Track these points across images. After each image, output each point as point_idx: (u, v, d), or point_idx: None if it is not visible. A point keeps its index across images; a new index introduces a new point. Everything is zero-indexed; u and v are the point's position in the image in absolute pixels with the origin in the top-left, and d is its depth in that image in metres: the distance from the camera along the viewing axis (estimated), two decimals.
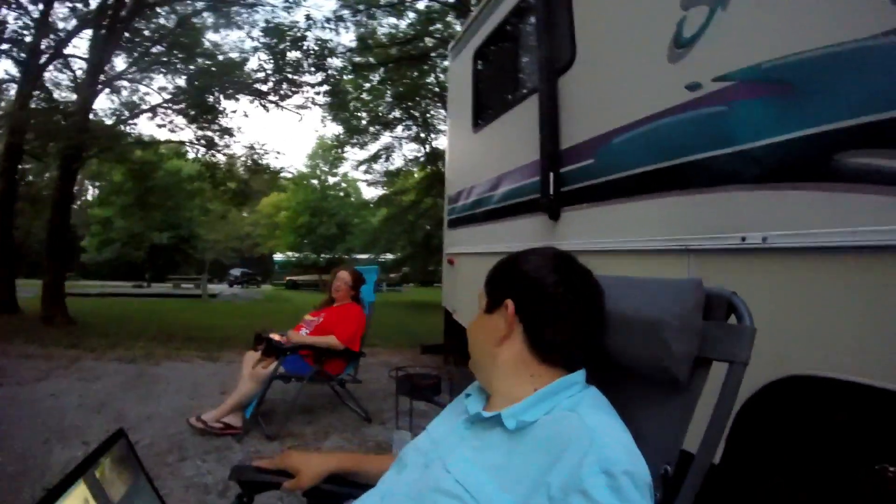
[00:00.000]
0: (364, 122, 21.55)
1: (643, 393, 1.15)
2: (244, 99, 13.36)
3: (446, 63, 12.03)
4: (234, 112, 13.49)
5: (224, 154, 14.19)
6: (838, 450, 1.69)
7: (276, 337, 4.48)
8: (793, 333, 1.68)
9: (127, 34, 11.97)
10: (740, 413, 1.74)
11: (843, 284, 1.58)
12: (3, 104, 14.71)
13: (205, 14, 13.41)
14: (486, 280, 1.29)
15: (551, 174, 3.22)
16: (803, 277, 1.71)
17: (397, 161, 25.05)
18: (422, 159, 23.78)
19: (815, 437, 1.77)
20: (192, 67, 12.62)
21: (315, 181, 44.44)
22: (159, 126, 13.15)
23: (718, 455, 1.76)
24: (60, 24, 11.81)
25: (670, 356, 1.06)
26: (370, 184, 28.68)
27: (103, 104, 22.88)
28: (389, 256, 26.23)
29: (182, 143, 14.12)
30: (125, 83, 13.68)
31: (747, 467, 1.90)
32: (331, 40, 14.71)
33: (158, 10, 12.63)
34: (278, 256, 49.55)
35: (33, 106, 11.18)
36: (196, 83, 12.35)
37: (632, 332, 1.15)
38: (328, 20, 15.22)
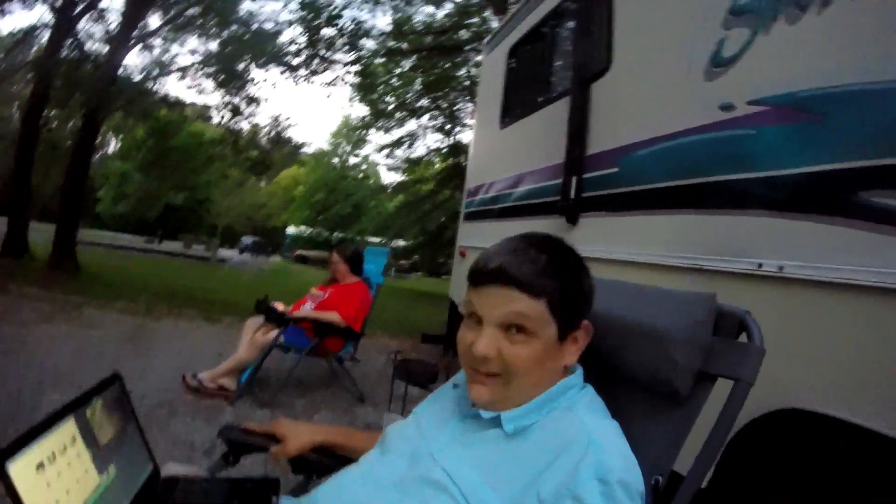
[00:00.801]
0: (391, 106, 21.54)
1: (643, 401, 1.14)
2: (274, 70, 13.39)
3: (479, 57, 12.01)
4: (264, 81, 13.48)
5: (249, 122, 14.22)
6: (827, 489, 1.68)
7: (279, 307, 4.50)
8: (798, 366, 1.67)
9: None
10: (734, 439, 1.73)
11: (857, 322, 1.56)
12: (34, 50, 14.79)
13: None
14: (555, 302, 1.02)
15: (574, 178, 3.21)
16: (816, 311, 1.69)
17: (419, 149, 25.02)
18: (444, 150, 23.76)
19: (807, 473, 1.76)
20: (225, 33, 12.63)
21: (336, 160, 44.61)
22: (188, 88, 13.23)
23: (706, 479, 1.75)
24: None
25: (674, 369, 1.04)
26: (390, 169, 28.74)
27: (133, 61, 22.96)
28: (401, 243, 26.15)
29: (208, 107, 14.17)
30: (158, 41, 13.75)
31: (734, 495, 1.88)
32: (366, 21, 14.73)
33: None
34: (290, 230, 49.77)
35: (63, 55, 11.22)
36: (228, 49, 12.35)
37: (639, 341, 1.13)
38: (366, 1, 15.24)
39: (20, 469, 0.85)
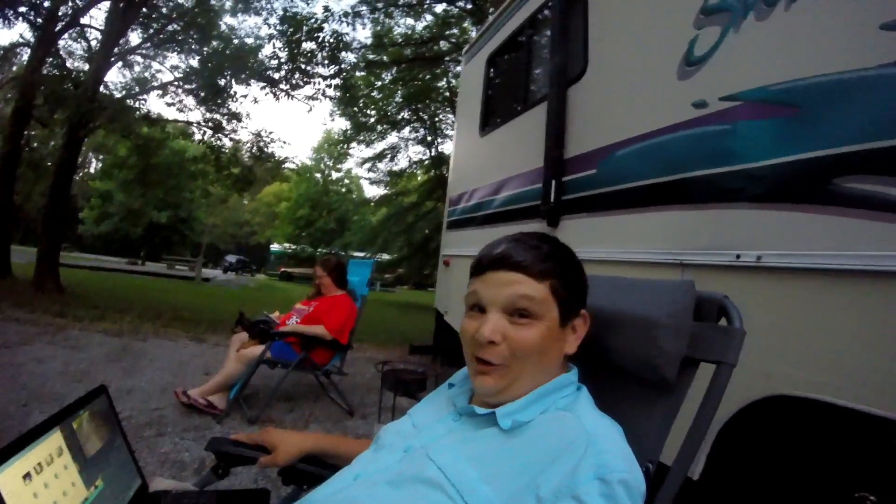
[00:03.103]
0: (372, 119, 21.61)
1: (629, 390, 1.15)
2: (255, 85, 13.36)
3: (459, 68, 12.06)
4: (245, 97, 13.43)
5: (230, 138, 14.18)
6: (820, 474, 1.70)
7: (275, 315, 4.51)
8: (781, 353, 1.69)
9: (144, 9, 11.98)
10: (723, 430, 1.75)
11: (836, 307, 1.59)
12: (14, 68, 14.73)
13: None
14: (558, 285, 1.06)
15: (553, 182, 3.24)
16: (796, 297, 1.72)
17: (402, 162, 25.14)
18: (426, 162, 23.84)
19: (798, 460, 1.78)
20: (206, 49, 12.61)
21: (318, 175, 44.59)
22: (168, 104, 13.17)
23: (698, 471, 1.77)
24: None
25: (660, 354, 1.06)
26: (373, 182, 28.80)
27: (115, 78, 22.94)
28: (386, 256, 26.12)
29: (189, 123, 14.08)
30: (138, 58, 13.72)
31: (727, 486, 1.90)
32: (347, 34, 14.78)
33: None
34: (275, 247, 49.63)
35: (45, 72, 11.16)
36: (209, 65, 12.33)
37: (623, 330, 1.14)
38: (346, 14, 15.31)
39: (7, 478, 0.85)
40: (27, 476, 0.90)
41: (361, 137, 22.77)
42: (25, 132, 12.78)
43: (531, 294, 1.03)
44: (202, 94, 12.75)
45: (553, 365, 1.09)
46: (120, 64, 12.97)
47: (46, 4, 10.98)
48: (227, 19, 13.84)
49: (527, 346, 1.03)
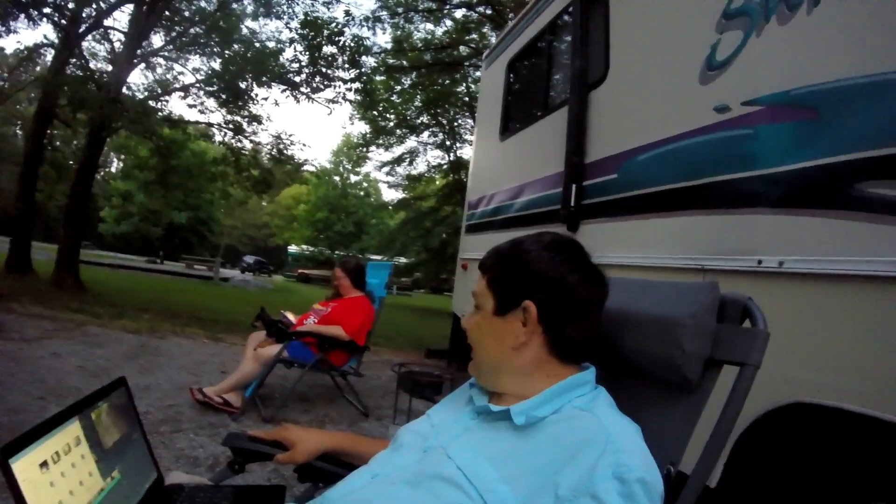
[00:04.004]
0: (391, 123, 21.68)
1: (651, 392, 1.14)
2: (276, 87, 13.42)
3: (478, 73, 12.09)
4: (266, 100, 13.50)
5: (250, 141, 14.26)
6: (837, 482, 1.67)
7: (290, 316, 4.51)
8: (802, 359, 1.67)
9: (167, 12, 12.09)
10: (741, 438, 1.73)
11: (859, 313, 1.57)
12: (38, 69, 14.94)
13: (245, 1, 13.55)
14: (492, 278, 1.18)
15: (574, 186, 3.23)
16: (818, 304, 1.70)
17: (420, 166, 25.28)
18: (445, 166, 23.86)
19: (815, 467, 1.75)
20: (228, 52, 12.70)
21: (337, 178, 44.81)
22: (190, 106, 13.22)
23: (716, 479, 1.75)
24: None
25: (682, 355, 1.04)
26: (391, 186, 28.91)
27: (137, 80, 23.19)
28: (403, 260, 26.14)
29: (210, 125, 14.19)
30: (161, 60, 13.85)
31: (745, 494, 1.88)
32: (367, 38, 14.85)
33: None
34: (292, 249, 49.90)
35: (68, 73, 11.30)
36: (231, 67, 12.41)
37: (646, 331, 1.13)
38: (366, 19, 15.39)
39: (23, 466, 0.85)
40: (44, 465, 0.90)
41: (380, 141, 22.88)
42: (48, 132, 12.93)
43: (476, 289, 1.21)
44: (223, 97, 12.84)
45: (505, 354, 1.13)
46: (142, 66, 13.10)
47: (70, 6, 11.10)
48: (249, 23, 13.90)
49: (469, 332, 1.21)
